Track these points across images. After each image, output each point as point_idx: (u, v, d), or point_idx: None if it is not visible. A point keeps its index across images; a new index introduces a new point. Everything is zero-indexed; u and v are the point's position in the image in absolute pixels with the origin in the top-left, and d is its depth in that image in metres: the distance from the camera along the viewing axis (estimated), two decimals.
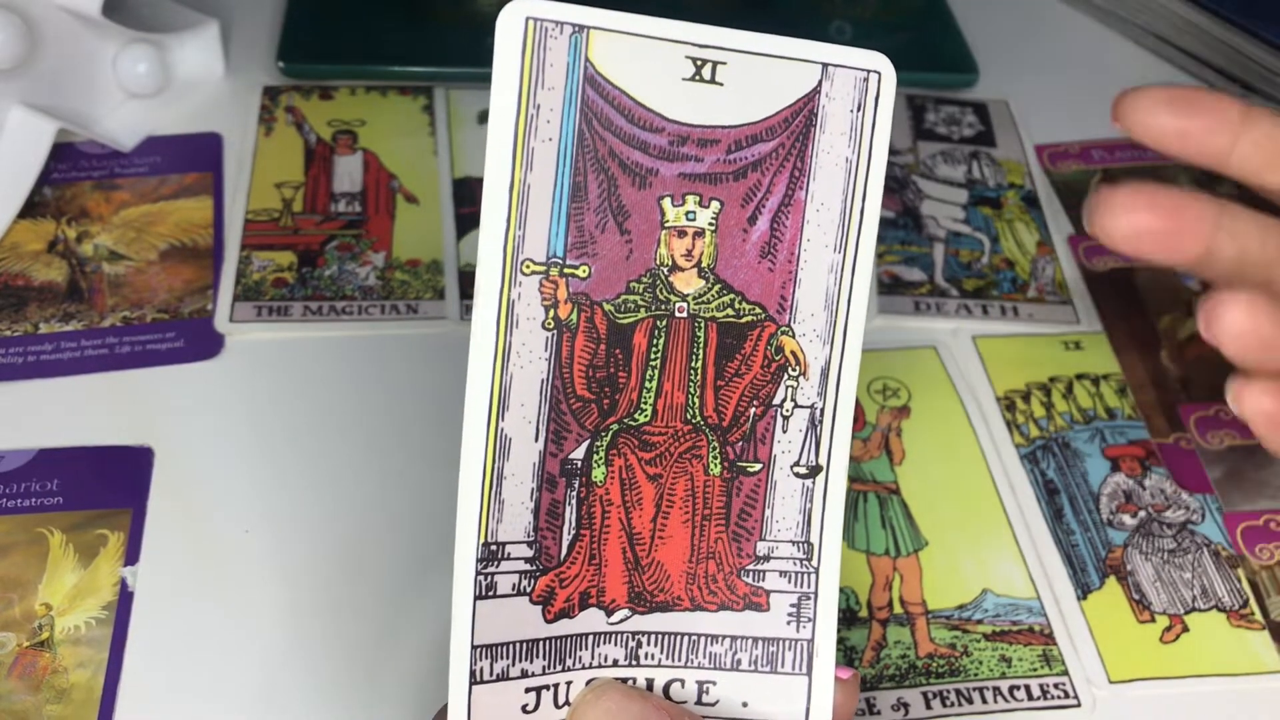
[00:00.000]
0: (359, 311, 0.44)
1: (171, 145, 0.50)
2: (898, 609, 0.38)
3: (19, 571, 0.36)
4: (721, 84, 0.27)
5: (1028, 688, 0.36)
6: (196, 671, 0.34)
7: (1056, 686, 0.36)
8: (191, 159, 0.49)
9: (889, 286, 0.48)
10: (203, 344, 0.43)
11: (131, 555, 0.37)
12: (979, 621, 0.38)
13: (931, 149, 0.53)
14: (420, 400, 0.42)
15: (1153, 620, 0.38)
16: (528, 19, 0.26)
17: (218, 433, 0.40)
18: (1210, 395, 0.45)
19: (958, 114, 0.55)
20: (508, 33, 0.26)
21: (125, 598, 0.36)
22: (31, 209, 0.46)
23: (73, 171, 0.48)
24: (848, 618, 0.37)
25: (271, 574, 0.37)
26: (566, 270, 0.27)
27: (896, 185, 0.52)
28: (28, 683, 0.34)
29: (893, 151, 0.53)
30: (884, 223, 0.50)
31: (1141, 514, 0.41)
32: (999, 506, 0.41)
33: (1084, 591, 0.39)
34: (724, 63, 0.27)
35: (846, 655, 0.36)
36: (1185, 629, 0.38)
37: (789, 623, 0.29)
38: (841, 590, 0.38)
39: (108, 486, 0.38)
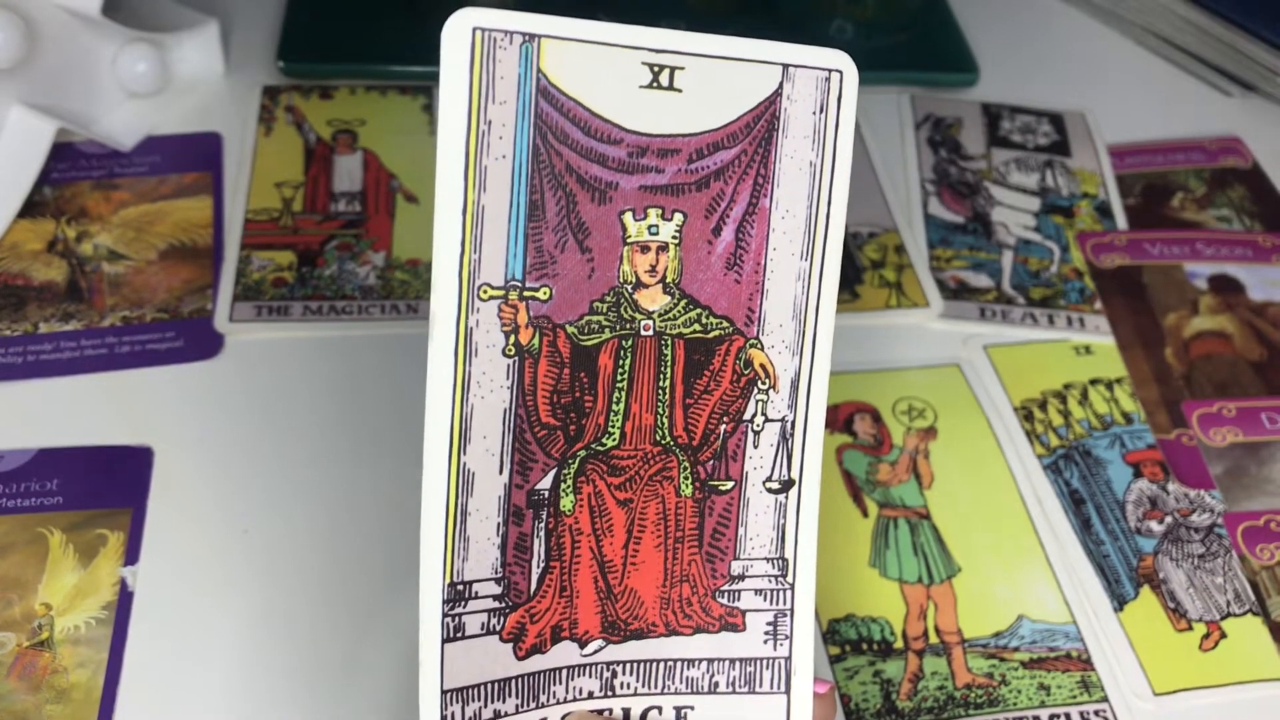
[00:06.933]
0: (359, 311, 0.44)
1: (171, 145, 0.50)
2: (933, 639, 0.37)
3: (19, 571, 0.36)
4: (680, 90, 0.26)
5: (1068, 716, 0.35)
6: (196, 671, 0.34)
7: (1097, 714, 0.35)
8: (191, 158, 0.49)
9: (955, 292, 0.48)
10: (202, 344, 0.43)
11: (131, 555, 0.37)
12: (1016, 649, 0.37)
13: (1005, 156, 0.53)
14: (420, 399, 0.42)
15: (1190, 629, 0.38)
16: (475, 29, 0.25)
17: (217, 432, 0.40)
18: (1214, 392, 0.45)
19: (1033, 123, 0.55)
20: (454, 45, 0.24)
21: (125, 597, 0.36)
22: (31, 208, 0.46)
23: (72, 171, 0.48)
24: (883, 649, 0.36)
25: (271, 573, 0.37)
26: (526, 293, 0.26)
27: (968, 190, 0.52)
28: (28, 683, 0.34)
29: (966, 157, 0.53)
30: (953, 228, 0.50)
31: (1168, 519, 0.41)
32: (1029, 524, 0.40)
33: (1120, 603, 0.38)
34: (682, 68, 0.26)
35: (883, 688, 0.35)
36: (1223, 635, 0.38)
37: (766, 641, 0.29)
38: (875, 621, 0.37)
39: (107, 486, 0.38)
